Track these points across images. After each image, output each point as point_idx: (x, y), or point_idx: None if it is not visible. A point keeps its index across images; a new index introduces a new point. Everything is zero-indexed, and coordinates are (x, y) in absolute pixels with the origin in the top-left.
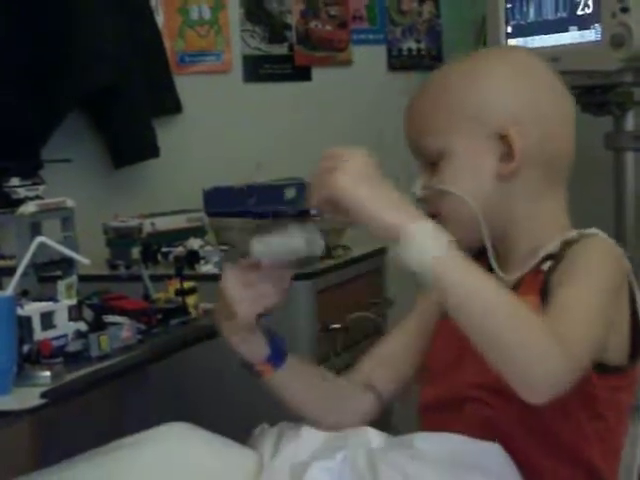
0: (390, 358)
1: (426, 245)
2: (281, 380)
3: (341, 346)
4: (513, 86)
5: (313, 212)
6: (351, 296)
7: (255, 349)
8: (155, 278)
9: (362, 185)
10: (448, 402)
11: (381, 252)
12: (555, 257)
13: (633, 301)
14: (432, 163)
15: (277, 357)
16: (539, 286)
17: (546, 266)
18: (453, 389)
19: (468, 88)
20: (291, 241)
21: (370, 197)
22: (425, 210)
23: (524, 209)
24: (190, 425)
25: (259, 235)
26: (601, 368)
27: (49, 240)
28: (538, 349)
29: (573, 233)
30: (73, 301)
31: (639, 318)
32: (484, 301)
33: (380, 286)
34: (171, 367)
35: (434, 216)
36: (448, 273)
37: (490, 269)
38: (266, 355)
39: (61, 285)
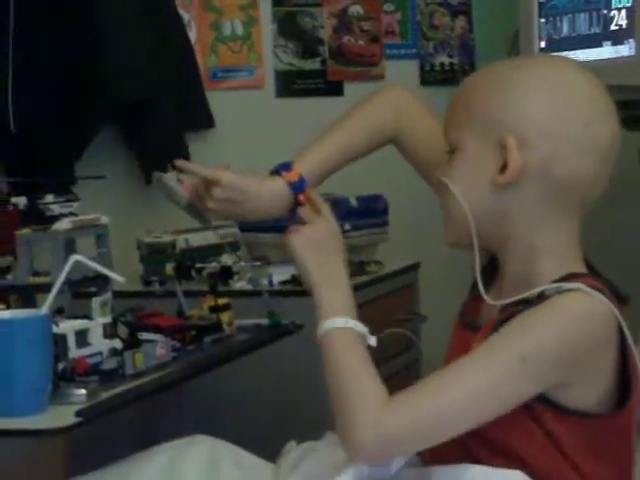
0: None
1: (326, 324)
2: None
3: (375, 362)
4: (533, 98)
5: None
6: (384, 312)
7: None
8: (189, 294)
9: (310, 251)
10: None
11: (414, 268)
12: (527, 305)
13: (624, 352)
14: (451, 153)
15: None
16: (490, 329)
17: (516, 310)
18: None
19: (492, 92)
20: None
21: (311, 264)
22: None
23: (523, 229)
24: (214, 438)
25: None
26: (557, 408)
27: (84, 258)
28: (348, 418)
29: (552, 286)
30: (108, 318)
31: (629, 368)
32: (335, 370)
33: (413, 302)
34: (205, 384)
35: (442, 207)
36: (328, 343)
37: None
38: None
39: (96, 302)
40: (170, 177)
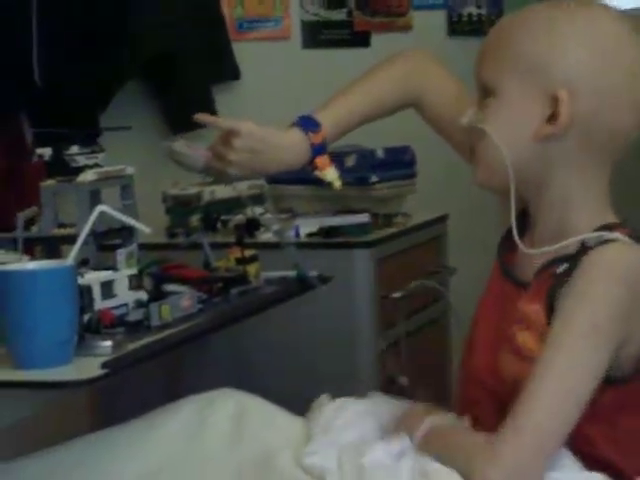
0: None
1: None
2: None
3: (403, 314)
4: (584, 51)
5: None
6: (412, 264)
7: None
8: (215, 246)
9: None
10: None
11: (442, 220)
12: (570, 260)
13: None
14: (485, 96)
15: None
16: (545, 296)
17: (560, 269)
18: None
19: (539, 39)
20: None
21: None
22: (468, 141)
23: (560, 178)
24: (241, 392)
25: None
26: (608, 381)
27: (109, 209)
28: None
29: (593, 235)
30: (133, 270)
31: None
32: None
33: (442, 254)
34: (231, 336)
35: (473, 149)
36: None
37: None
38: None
39: (121, 254)
40: (180, 145)
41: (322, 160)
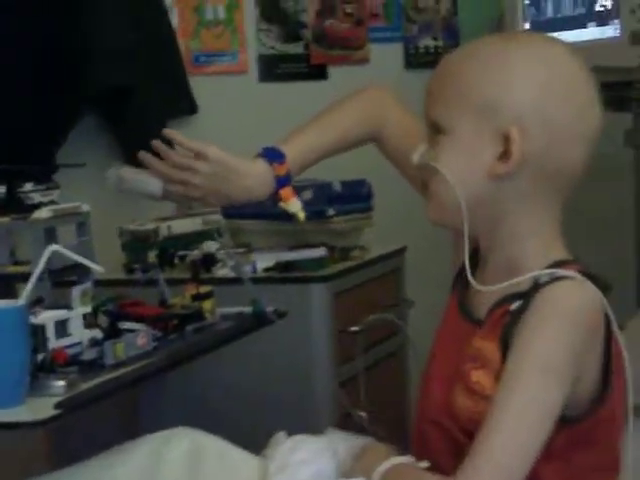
0: None
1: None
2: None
3: (361, 348)
4: (535, 88)
5: None
6: (370, 298)
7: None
8: (172, 282)
9: None
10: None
11: (400, 252)
12: (523, 297)
13: (609, 340)
14: (436, 133)
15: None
16: (499, 334)
17: (514, 306)
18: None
19: (487, 76)
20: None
21: None
22: (421, 178)
23: (510, 214)
24: (197, 430)
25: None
26: (562, 420)
27: (62, 248)
28: None
29: (546, 272)
30: (88, 308)
31: (611, 356)
32: None
33: (399, 287)
34: (187, 374)
35: (426, 185)
36: None
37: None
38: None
39: (76, 292)
40: (130, 171)
41: (286, 192)
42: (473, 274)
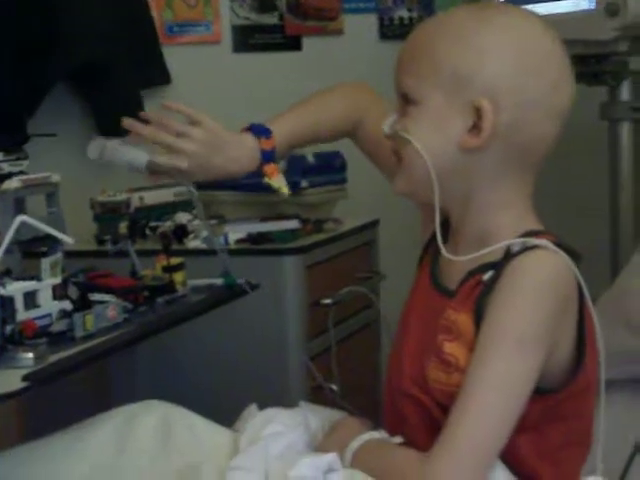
0: None
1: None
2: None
3: (333, 321)
4: (507, 61)
5: None
6: (342, 270)
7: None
8: (143, 253)
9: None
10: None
11: (373, 225)
12: (495, 267)
13: (581, 310)
14: (406, 104)
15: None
16: (472, 305)
17: (486, 276)
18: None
19: (459, 48)
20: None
21: None
22: (392, 148)
23: (481, 187)
24: (167, 403)
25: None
26: (537, 391)
27: (31, 219)
28: None
29: (518, 241)
30: (58, 279)
31: (584, 327)
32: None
33: (372, 260)
34: (158, 346)
35: (398, 156)
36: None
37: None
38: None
39: (45, 263)
40: (116, 142)
41: (271, 167)
42: (445, 246)
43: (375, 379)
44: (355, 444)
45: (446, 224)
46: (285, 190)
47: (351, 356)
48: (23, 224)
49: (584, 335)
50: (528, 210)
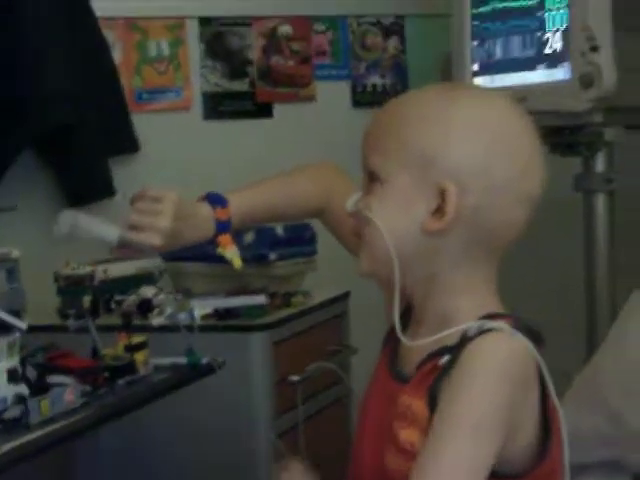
0: None
1: None
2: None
3: (302, 397)
4: (475, 143)
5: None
6: (311, 345)
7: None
8: (107, 329)
9: None
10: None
11: (344, 297)
12: (452, 351)
13: (544, 393)
14: (371, 181)
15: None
16: (427, 390)
17: (442, 361)
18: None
19: (426, 128)
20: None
21: None
22: (354, 227)
23: (444, 269)
24: None
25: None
26: (495, 475)
27: None
28: None
29: (474, 324)
30: (14, 361)
31: (548, 411)
32: None
33: (343, 333)
34: (121, 428)
35: (360, 237)
36: None
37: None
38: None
39: (2, 343)
40: (85, 217)
41: (225, 238)
42: (404, 330)
43: (345, 456)
44: None
45: (409, 307)
46: (238, 262)
47: (320, 432)
48: None
49: (548, 419)
50: (491, 292)
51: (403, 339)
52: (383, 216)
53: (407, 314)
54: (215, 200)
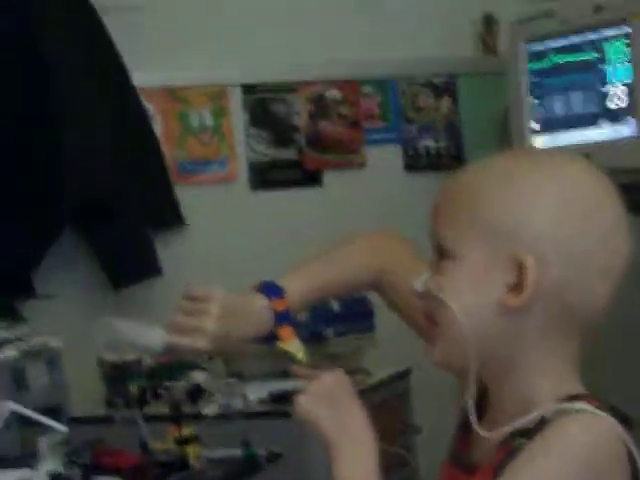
0: None
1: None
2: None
3: None
4: (557, 215)
5: None
6: (373, 425)
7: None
8: (156, 419)
9: (321, 406)
10: None
11: (405, 374)
12: (527, 435)
13: None
14: (441, 258)
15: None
16: (494, 469)
17: (516, 443)
18: None
19: (499, 200)
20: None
21: (325, 420)
22: (424, 308)
23: (522, 350)
24: None
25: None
26: None
27: (19, 407)
28: None
29: (554, 407)
30: (56, 463)
31: None
32: None
33: (406, 412)
34: None
35: (431, 319)
36: None
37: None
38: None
39: (43, 442)
40: (125, 325)
41: (285, 330)
42: (480, 419)
43: None
44: None
45: (484, 395)
46: (302, 356)
47: None
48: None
49: None
50: (573, 377)
51: (480, 431)
52: (457, 297)
53: (482, 400)
54: (270, 290)
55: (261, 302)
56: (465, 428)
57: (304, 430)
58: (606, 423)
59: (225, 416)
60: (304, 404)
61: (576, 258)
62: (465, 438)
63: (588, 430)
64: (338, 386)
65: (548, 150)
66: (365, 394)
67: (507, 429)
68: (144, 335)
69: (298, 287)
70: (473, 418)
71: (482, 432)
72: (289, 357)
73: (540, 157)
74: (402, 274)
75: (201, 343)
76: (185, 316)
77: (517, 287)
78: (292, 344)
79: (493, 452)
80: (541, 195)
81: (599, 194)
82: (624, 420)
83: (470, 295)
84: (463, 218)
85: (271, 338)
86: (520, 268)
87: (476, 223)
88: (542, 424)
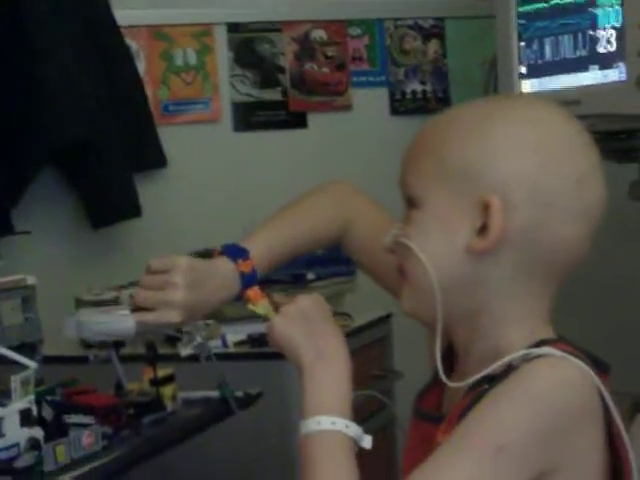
0: None
1: (309, 425)
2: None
3: None
4: (524, 155)
5: None
6: (353, 370)
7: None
8: (132, 359)
9: (296, 326)
10: None
11: (386, 319)
12: (492, 381)
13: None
14: (410, 208)
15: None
16: (459, 416)
17: (482, 390)
18: None
19: (468, 141)
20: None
21: (300, 339)
22: (396, 262)
23: (491, 300)
24: None
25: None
26: None
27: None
28: None
29: (520, 353)
30: (28, 402)
31: (615, 451)
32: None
33: (387, 357)
34: (150, 469)
35: (401, 272)
36: (310, 447)
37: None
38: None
39: (15, 381)
40: (90, 313)
41: (253, 292)
42: (450, 372)
43: None
44: (322, 422)
45: (452, 345)
46: (272, 316)
47: (364, 461)
48: None
49: (618, 460)
50: (544, 324)
51: (446, 381)
52: (425, 246)
53: (449, 354)
54: (234, 253)
55: (226, 265)
56: (437, 380)
57: (283, 372)
58: (574, 367)
59: (203, 358)
60: (277, 324)
61: (545, 201)
62: (435, 394)
63: (553, 374)
64: (314, 308)
65: (521, 96)
66: (346, 338)
67: (475, 378)
68: (113, 321)
69: (264, 249)
70: (440, 368)
71: (449, 382)
72: (261, 318)
73: (512, 102)
74: (367, 223)
75: (172, 316)
76: (148, 292)
77: (484, 230)
78: (261, 305)
79: (460, 400)
80: (509, 138)
81: (573, 134)
82: (599, 365)
83: (438, 243)
84: (429, 165)
85: (240, 299)
86: (486, 209)
87: (442, 169)
88: (509, 370)
